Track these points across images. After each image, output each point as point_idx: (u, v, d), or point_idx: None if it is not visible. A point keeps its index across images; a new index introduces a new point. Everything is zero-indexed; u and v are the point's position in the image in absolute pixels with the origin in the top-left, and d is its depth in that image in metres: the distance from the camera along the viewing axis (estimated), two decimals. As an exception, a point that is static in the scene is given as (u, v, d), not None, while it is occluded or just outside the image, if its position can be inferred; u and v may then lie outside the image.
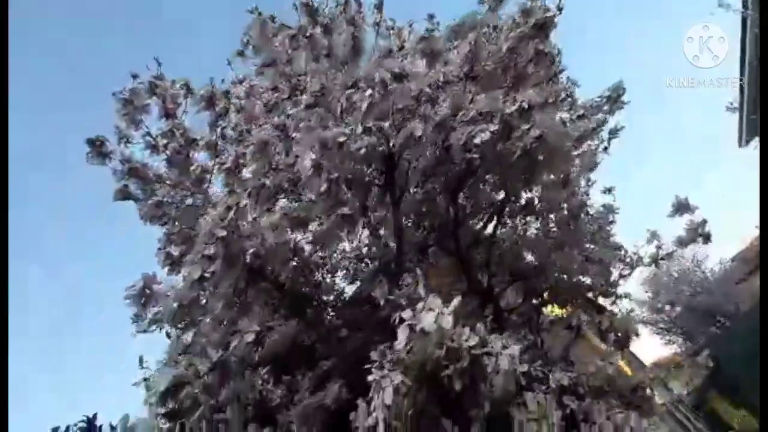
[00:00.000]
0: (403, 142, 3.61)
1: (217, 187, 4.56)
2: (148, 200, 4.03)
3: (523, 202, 6.64)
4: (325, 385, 4.60)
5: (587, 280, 6.85)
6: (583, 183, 6.77)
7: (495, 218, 6.03)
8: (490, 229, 6.43)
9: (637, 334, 5.68)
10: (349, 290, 6.54)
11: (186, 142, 4.52)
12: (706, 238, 5.25)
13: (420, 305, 2.92)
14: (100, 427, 4.91)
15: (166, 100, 4.49)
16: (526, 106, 3.11)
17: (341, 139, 3.01)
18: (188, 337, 4.00)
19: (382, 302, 3.65)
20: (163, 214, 4.28)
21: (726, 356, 9.50)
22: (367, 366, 3.33)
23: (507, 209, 6.34)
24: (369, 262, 7.06)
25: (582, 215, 6.61)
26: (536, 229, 7.20)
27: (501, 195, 6.34)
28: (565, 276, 6.92)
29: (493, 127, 3.25)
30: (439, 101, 3.93)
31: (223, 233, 3.08)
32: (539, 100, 3.18)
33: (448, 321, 2.53)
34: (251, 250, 3.18)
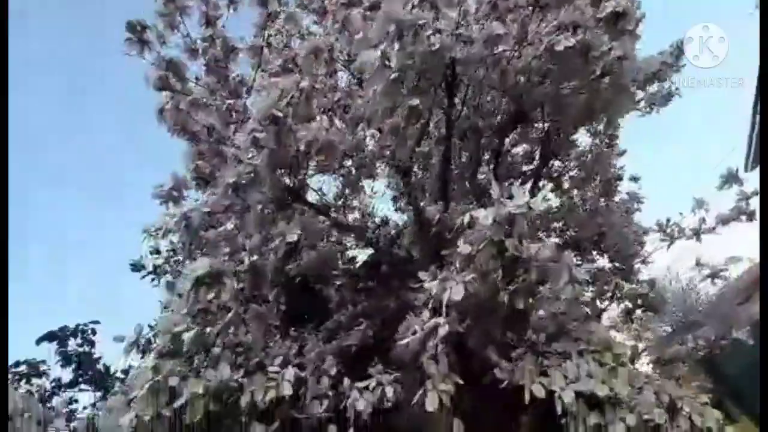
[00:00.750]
0: (469, 56, 3.38)
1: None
2: (186, 96, 3.73)
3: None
4: (337, 337, 4.33)
5: (606, 264, 6.71)
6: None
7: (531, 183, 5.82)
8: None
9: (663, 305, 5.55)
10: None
11: (225, 52, 4.26)
12: (750, 216, 5.08)
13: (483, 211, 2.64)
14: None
15: (208, 5, 4.22)
16: (621, 11, 2.89)
17: (421, 22, 2.76)
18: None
19: (435, 220, 3.38)
20: (195, 123, 3.98)
21: (715, 376, 9.34)
22: (414, 285, 3.07)
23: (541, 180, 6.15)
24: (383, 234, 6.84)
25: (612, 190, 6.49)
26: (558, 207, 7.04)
27: (535, 163, 6.16)
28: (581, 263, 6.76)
29: (576, 38, 3.04)
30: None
31: (280, 114, 2.80)
32: (630, 7, 2.97)
33: (539, 203, 2.26)
34: (309, 137, 2.90)
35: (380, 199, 6.69)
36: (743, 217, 5.09)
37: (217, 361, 2.72)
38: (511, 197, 2.54)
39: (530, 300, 2.91)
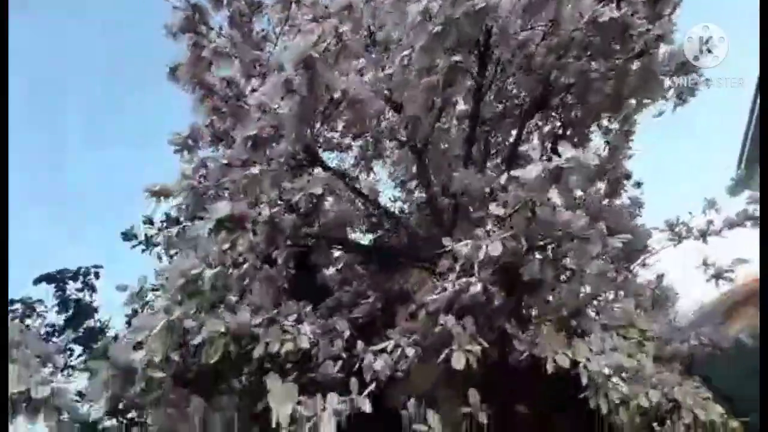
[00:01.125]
0: (506, 25, 3.33)
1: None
2: (210, 42, 3.58)
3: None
4: (336, 315, 4.23)
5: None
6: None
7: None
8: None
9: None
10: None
11: (250, 6, 4.13)
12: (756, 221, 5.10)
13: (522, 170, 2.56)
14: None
15: (234, -43, 4.08)
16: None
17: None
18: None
19: (461, 189, 3.29)
20: (213, 76, 3.83)
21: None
22: (437, 251, 2.98)
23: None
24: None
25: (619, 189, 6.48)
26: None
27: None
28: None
29: (620, 12, 3.01)
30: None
31: (316, 55, 2.69)
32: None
33: (590, 157, 2.19)
34: (343, 86, 2.80)
35: (382, 186, 6.64)
36: (748, 223, 5.11)
37: (233, 309, 2.59)
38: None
39: (557, 271, 2.85)
